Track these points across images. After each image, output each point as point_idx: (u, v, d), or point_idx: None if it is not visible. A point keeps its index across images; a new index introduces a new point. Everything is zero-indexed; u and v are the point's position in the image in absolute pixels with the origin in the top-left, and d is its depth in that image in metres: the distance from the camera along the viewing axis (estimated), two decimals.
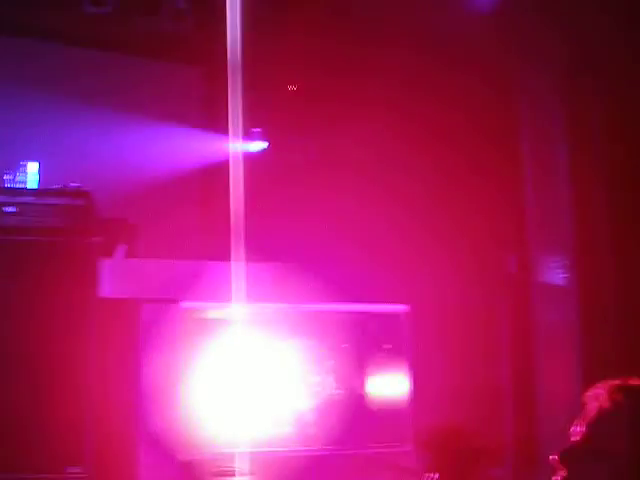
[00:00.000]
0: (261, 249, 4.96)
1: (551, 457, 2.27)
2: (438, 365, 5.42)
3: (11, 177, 5.09)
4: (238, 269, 4.57)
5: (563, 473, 2.24)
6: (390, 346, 5.40)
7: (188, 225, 6.50)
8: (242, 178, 4.57)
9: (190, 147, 6.54)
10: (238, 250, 4.50)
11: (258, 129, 6.50)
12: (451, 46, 5.78)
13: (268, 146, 6.55)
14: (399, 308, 5.38)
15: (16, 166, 5.09)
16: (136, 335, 4.91)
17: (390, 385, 5.46)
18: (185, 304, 4.94)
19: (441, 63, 5.84)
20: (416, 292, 5.32)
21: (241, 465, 4.85)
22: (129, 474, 4.84)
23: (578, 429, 2.27)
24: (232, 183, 4.48)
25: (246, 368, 5.04)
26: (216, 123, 7.04)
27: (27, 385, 4.86)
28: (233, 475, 4.87)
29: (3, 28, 6.41)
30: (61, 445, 4.88)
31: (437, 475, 4.60)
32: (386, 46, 6.06)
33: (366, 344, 5.37)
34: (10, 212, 4.96)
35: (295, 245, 5.44)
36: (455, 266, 5.54)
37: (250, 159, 5.70)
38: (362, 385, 5.38)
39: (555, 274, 5.70)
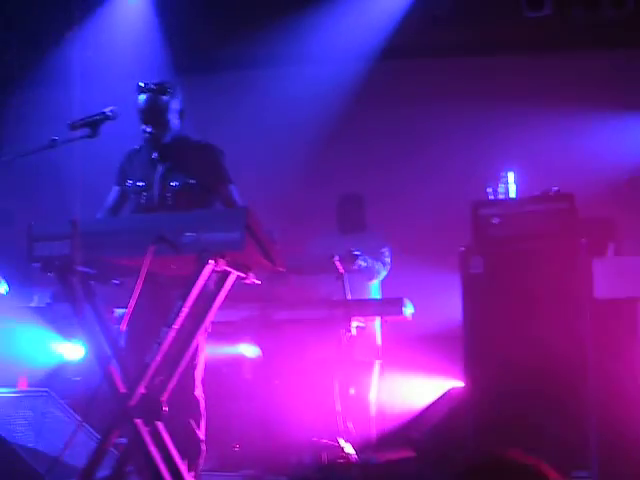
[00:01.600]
0: None
1: None
2: None
3: (493, 189, 5.23)
4: None
5: None
6: None
7: None
8: None
9: None
10: None
11: None
12: None
13: None
14: None
15: (497, 178, 5.22)
16: (635, 334, 4.78)
17: None
18: None
19: None
20: None
21: None
22: None
23: None
24: None
25: None
26: None
27: (534, 388, 4.93)
28: None
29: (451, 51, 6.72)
30: (568, 449, 4.87)
31: None
32: None
33: None
34: (496, 223, 5.10)
35: None
36: None
37: None
38: None
39: None
